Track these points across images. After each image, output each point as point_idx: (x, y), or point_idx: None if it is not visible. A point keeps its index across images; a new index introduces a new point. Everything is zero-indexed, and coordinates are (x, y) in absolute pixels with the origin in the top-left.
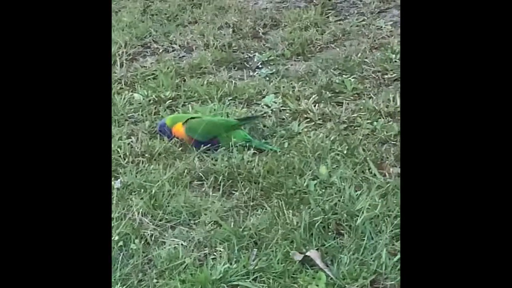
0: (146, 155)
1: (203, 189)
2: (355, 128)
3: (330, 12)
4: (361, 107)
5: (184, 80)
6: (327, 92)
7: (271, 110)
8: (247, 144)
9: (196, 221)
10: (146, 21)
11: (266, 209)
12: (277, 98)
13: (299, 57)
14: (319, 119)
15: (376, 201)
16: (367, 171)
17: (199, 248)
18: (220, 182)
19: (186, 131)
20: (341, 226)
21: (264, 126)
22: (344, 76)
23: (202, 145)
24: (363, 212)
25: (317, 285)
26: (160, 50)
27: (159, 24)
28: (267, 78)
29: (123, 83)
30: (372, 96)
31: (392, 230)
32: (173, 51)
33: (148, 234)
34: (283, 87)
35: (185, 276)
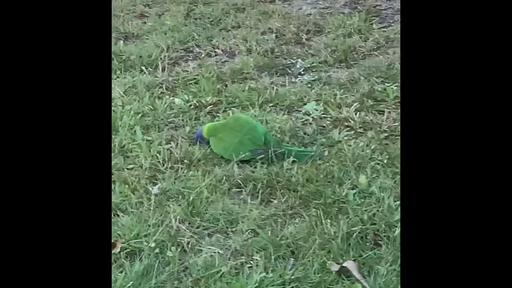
0: (185, 161)
1: (242, 196)
2: (396, 137)
3: (374, 19)
4: None
5: (226, 86)
6: (369, 100)
7: (312, 117)
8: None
9: (234, 229)
10: (189, 25)
11: (304, 218)
12: (318, 106)
13: (342, 64)
14: (360, 127)
15: None
16: None
17: (236, 257)
18: (259, 189)
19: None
20: (379, 237)
21: (305, 133)
22: (386, 84)
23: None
24: None
25: None
26: (203, 55)
27: (202, 28)
28: (309, 85)
29: (164, 87)
30: None
31: None
32: (215, 55)
33: (185, 242)
34: (325, 94)
35: (221, 284)
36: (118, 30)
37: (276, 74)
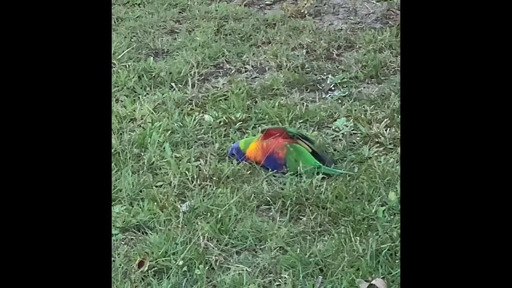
0: (214, 178)
1: (270, 213)
2: None
3: None
4: None
5: (256, 102)
6: (399, 116)
7: (342, 133)
8: (316, 170)
9: (262, 246)
10: (220, 41)
11: (333, 235)
12: (349, 122)
13: (372, 79)
14: (390, 143)
15: None
16: None
17: (264, 274)
18: (288, 206)
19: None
20: None
21: (335, 150)
22: None
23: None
24: None
25: None
26: (233, 71)
27: (232, 44)
28: (339, 101)
29: (193, 104)
30: None
31: None
32: (245, 71)
33: (213, 260)
34: (355, 110)
35: None
36: (148, 47)
37: (306, 90)
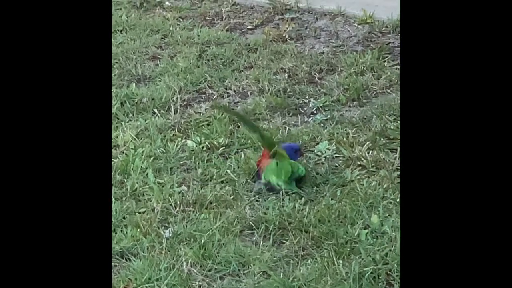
0: (197, 204)
1: (254, 238)
2: None
3: (387, 57)
4: None
5: (238, 127)
6: (381, 139)
7: (324, 157)
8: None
9: (245, 271)
10: (202, 66)
11: (316, 259)
12: (331, 145)
13: (354, 102)
14: (372, 166)
15: None
16: None
17: None
18: (271, 231)
19: None
20: (392, 277)
21: (317, 173)
22: (399, 122)
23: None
24: None
25: None
26: (215, 96)
27: (215, 69)
28: (322, 124)
29: (176, 129)
30: None
31: None
32: (228, 96)
33: (197, 285)
34: (337, 133)
35: None
36: (131, 73)
37: (289, 114)
